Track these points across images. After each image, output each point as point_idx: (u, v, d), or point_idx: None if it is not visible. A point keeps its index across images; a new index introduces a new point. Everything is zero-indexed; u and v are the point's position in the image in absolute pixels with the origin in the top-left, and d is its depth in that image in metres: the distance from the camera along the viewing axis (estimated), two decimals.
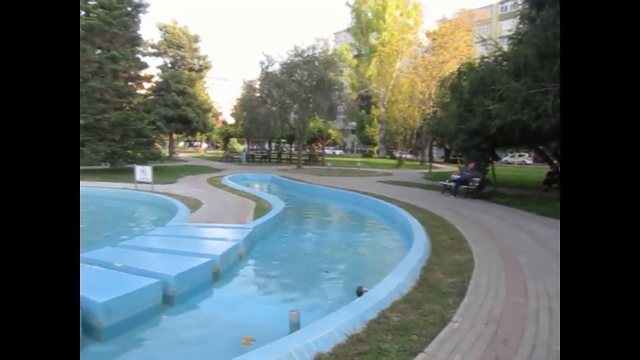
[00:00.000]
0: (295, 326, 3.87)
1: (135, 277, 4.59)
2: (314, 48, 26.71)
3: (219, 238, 6.66)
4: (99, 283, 4.38)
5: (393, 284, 4.42)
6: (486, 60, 13.18)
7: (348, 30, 55.91)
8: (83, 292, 3.99)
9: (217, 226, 7.69)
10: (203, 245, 6.23)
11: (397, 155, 41.03)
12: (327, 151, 48.46)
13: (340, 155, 55.22)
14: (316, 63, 26.20)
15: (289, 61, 26.65)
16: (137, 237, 7.12)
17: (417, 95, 35.01)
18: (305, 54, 26.40)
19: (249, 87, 30.84)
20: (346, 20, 58.10)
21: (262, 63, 27.19)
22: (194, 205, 10.35)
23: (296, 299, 5.20)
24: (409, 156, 45.82)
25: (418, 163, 38.83)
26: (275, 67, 27.34)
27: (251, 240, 7.18)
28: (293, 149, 39.50)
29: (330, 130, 37.30)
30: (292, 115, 29.55)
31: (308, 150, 39.88)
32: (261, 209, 9.94)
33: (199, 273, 5.13)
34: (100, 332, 3.83)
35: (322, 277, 6.06)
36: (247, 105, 28.75)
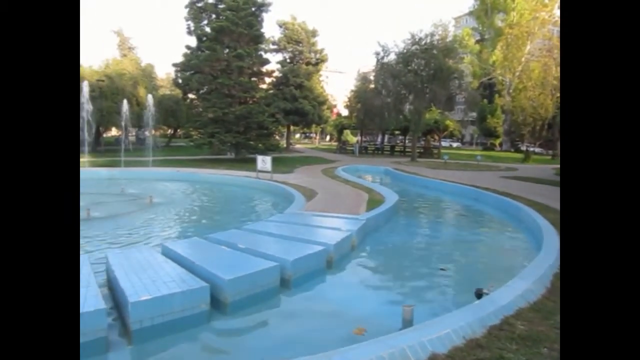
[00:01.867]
0: (408, 322, 3.76)
1: (257, 259, 4.91)
2: (432, 35, 25.57)
3: (333, 227, 6.80)
4: (226, 262, 4.79)
5: (519, 289, 4.01)
6: None
7: (470, 13, 52.28)
8: (213, 269, 4.42)
9: (331, 216, 7.87)
10: (318, 234, 6.42)
11: (524, 148, 37.35)
12: (444, 143, 46.25)
13: (457, 148, 52.34)
14: (434, 51, 25.06)
15: (405, 50, 25.96)
16: (258, 221, 7.65)
17: (551, 81, 31.15)
18: (423, 42, 25.42)
19: (364, 78, 30.99)
20: (468, 2, 54.32)
21: (377, 54, 26.99)
22: (309, 194, 10.75)
23: (408, 294, 5.06)
24: (537, 150, 41.34)
25: (549, 157, 34.88)
26: (391, 57, 26.90)
27: (364, 232, 7.19)
28: (407, 141, 38.61)
29: (447, 122, 35.51)
30: (407, 106, 28.82)
31: (423, 143, 38.58)
32: (374, 200, 9.90)
33: (313, 260, 5.29)
34: (226, 307, 4.18)
35: (436, 274, 5.79)
36: (362, 97, 28.92)
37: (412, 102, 27.50)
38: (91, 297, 3.63)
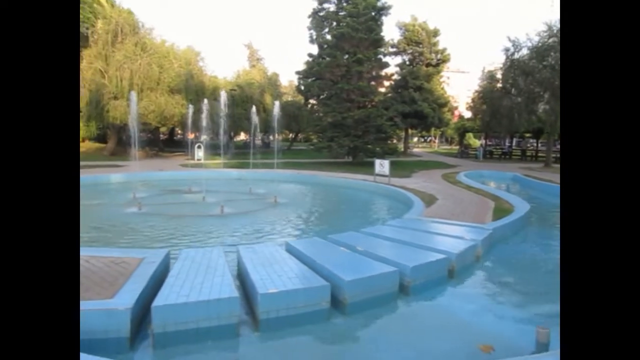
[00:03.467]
0: (543, 346, 3.38)
1: (375, 263, 4.89)
2: None
3: (455, 236, 6.45)
4: (346, 263, 4.86)
5: None
6: None
7: None
8: (333, 269, 4.52)
9: (453, 223, 7.46)
10: (439, 241, 6.14)
11: None
12: None
13: None
14: None
15: (540, 44, 23.44)
16: (376, 225, 7.62)
17: None
18: None
19: (490, 77, 28.80)
20: None
21: (506, 50, 24.85)
22: (428, 200, 10.39)
23: (540, 314, 4.52)
24: None
25: None
26: (523, 53, 24.51)
27: (489, 243, 6.67)
28: (540, 145, 34.91)
29: None
30: (542, 106, 25.97)
31: (560, 147, 34.48)
32: (501, 209, 9.14)
33: (434, 268, 5.08)
34: (345, 307, 4.24)
35: None
36: (487, 97, 26.94)
37: (548, 101, 24.64)
38: (226, 286, 3.99)
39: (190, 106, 18.55)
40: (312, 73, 27.69)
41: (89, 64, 24.88)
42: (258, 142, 41.41)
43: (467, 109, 47.82)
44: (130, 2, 72.39)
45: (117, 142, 27.86)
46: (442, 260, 5.22)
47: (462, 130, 39.69)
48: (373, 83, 25.04)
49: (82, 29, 25.86)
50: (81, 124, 30.51)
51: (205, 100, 15.85)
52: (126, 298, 3.60)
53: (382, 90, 28.71)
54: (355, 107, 22.92)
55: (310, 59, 28.30)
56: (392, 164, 14.95)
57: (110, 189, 14.03)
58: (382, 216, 10.45)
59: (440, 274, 5.18)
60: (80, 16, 25.50)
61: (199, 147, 24.14)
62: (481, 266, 6.04)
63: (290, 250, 5.56)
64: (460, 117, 49.82)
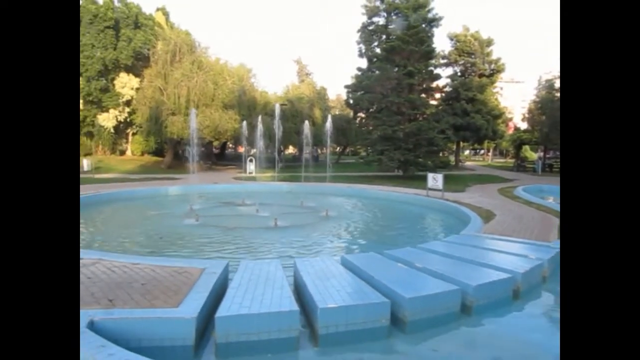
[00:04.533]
0: None
1: (435, 280, 4.73)
2: None
3: (518, 254, 6.11)
4: (405, 279, 4.73)
5: None
6: None
7: None
8: (392, 285, 4.41)
9: (515, 241, 7.09)
10: (501, 259, 5.84)
11: None
12: None
13: None
14: None
15: None
16: (433, 241, 7.40)
17: None
18: None
19: (550, 87, 27.50)
20: None
21: None
22: (486, 215, 9.98)
23: None
24: None
25: None
26: None
27: (556, 262, 6.25)
28: None
29: None
30: None
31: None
32: None
33: (498, 288, 4.83)
34: (405, 325, 4.11)
35: None
36: (547, 108, 25.72)
37: None
38: (285, 299, 4.00)
39: (244, 121, 19.14)
40: (361, 86, 27.79)
41: (149, 82, 26.51)
42: (306, 155, 42.00)
43: (522, 120, 45.85)
44: (188, 24, 76.57)
45: (173, 155, 29.27)
46: (507, 280, 4.95)
47: (518, 142, 37.99)
48: (424, 95, 24.69)
49: (144, 50, 27.70)
50: (141, 139, 32.49)
51: (260, 117, 16.33)
52: (191, 307, 3.71)
53: (433, 102, 28.18)
54: (406, 120, 22.65)
55: (359, 73, 28.45)
56: (445, 177, 14.55)
57: (168, 201, 14.70)
58: (437, 232, 10.16)
59: (504, 295, 4.91)
60: (142, 38, 27.37)
61: (251, 160, 24.81)
62: (548, 287, 5.66)
63: (346, 264, 5.51)
64: (516, 128, 47.80)
